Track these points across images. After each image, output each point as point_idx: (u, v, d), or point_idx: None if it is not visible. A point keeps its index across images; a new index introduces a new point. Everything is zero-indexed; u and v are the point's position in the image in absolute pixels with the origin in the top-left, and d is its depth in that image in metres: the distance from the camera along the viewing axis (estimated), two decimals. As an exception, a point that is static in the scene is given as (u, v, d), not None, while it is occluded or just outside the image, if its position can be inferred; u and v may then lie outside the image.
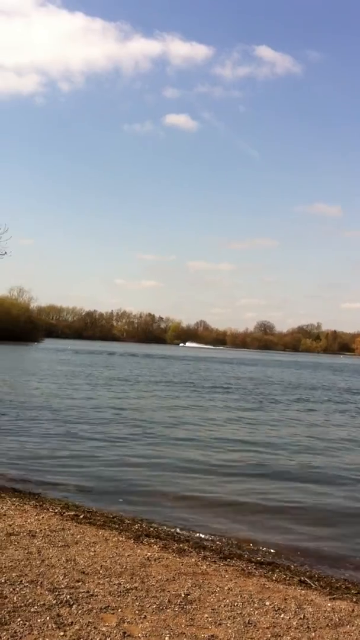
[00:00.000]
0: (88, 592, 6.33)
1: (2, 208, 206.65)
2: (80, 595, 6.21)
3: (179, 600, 6.38)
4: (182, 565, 7.81)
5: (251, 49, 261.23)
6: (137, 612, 5.95)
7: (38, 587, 6.31)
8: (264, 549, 9.62)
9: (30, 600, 5.91)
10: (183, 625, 5.73)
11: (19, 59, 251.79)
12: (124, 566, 7.41)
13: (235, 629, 5.79)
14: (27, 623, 5.41)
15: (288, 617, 6.22)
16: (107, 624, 5.58)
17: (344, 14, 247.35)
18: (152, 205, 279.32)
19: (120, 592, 6.45)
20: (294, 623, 6.08)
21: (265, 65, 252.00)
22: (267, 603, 6.61)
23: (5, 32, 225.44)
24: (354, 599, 7.19)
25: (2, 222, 14.48)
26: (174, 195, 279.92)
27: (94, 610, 5.85)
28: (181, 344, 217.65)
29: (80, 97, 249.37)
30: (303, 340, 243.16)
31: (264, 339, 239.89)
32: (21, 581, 6.41)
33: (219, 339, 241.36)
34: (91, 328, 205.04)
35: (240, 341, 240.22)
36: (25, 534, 8.32)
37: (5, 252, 14.69)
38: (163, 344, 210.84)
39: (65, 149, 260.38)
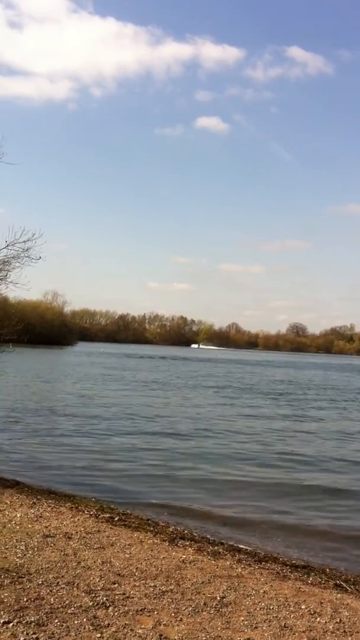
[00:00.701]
0: (124, 594, 6.37)
1: (36, 213, 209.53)
2: (117, 597, 6.25)
3: (214, 603, 6.38)
4: (217, 568, 7.81)
5: (282, 50, 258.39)
6: (173, 614, 5.97)
7: (75, 588, 6.37)
8: (299, 552, 9.59)
9: (67, 602, 5.96)
10: (219, 628, 5.73)
11: (51, 65, 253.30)
12: (160, 568, 7.44)
13: (272, 632, 5.78)
14: (65, 624, 5.46)
15: (324, 621, 6.18)
16: (143, 626, 5.61)
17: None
18: (182, 208, 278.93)
19: (156, 594, 6.48)
20: (330, 627, 6.04)
21: (297, 66, 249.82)
22: (303, 607, 6.58)
23: (38, 39, 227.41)
24: (392, 604, 7.11)
25: (37, 227, 14.60)
26: (205, 198, 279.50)
27: (130, 613, 5.89)
28: (193, 345, 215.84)
29: (112, 102, 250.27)
30: (336, 342, 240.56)
31: (296, 341, 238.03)
32: (58, 583, 6.48)
33: (251, 342, 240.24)
34: (124, 331, 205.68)
35: (272, 343, 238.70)
36: (61, 535, 8.41)
37: (40, 257, 14.79)
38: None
39: (98, 154, 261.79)
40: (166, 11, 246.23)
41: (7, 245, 14.56)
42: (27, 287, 15.71)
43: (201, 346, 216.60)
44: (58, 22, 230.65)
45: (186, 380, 50.41)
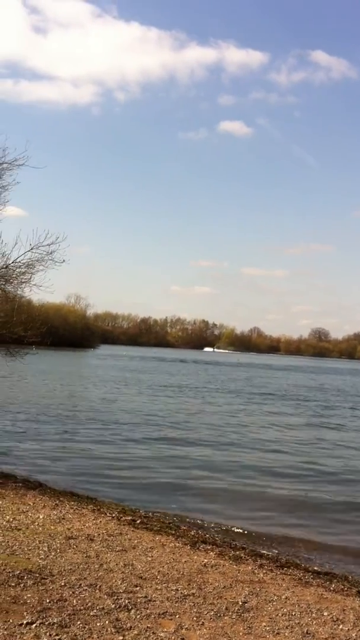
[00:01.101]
0: (146, 597, 6.38)
1: (60, 216, 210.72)
2: (139, 600, 6.26)
3: (236, 608, 6.36)
4: (238, 572, 7.79)
5: (306, 54, 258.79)
6: (194, 618, 5.96)
7: (97, 590, 6.40)
8: (320, 559, 9.54)
9: (89, 604, 5.99)
10: (241, 634, 5.71)
11: (75, 70, 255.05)
12: (181, 572, 7.44)
13: (294, 638, 5.75)
14: (87, 626, 5.48)
15: (347, 629, 6.13)
16: (165, 629, 5.62)
17: None
18: (205, 212, 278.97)
19: (177, 598, 6.48)
20: (354, 634, 5.99)
21: (321, 70, 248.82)
22: (326, 613, 6.54)
23: (62, 44, 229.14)
24: None
25: (61, 230, 14.68)
26: (227, 201, 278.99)
27: (152, 616, 5.89)
28: (206, 349, 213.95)
29: (136, 107, 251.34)
30: (359, 347, 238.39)
31: (318, 346, 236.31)
32: (80, 584, 6.51)
33: (273, 346, 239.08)
34: (146, 334, 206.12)
35: (294, 348, 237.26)
36: (83, 537, 8.44)
37: (64, 260, 14.86)
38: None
39: (122, 158, 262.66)
40: (190, 15, 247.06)
41: (32, 249, 14.65)
42: (50, 290, 15.82)
43: (215, 350, 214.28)
44: (82, 26, 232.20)
45: (208, 384, 50.39)
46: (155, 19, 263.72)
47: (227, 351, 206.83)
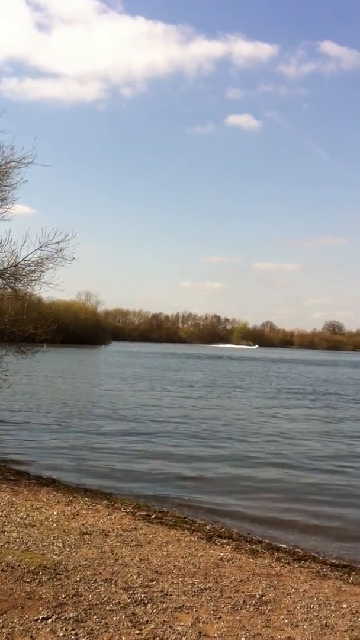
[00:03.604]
0: (162, 591, 6.32)
1: (69, 214, 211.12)
2: (155, 594, 6.21)
3: (253, 601, 6.30)
4: (255, 566, 7.73)
5: (315, 45, 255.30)
6: (212, 612, 5.90)
7: (113, 585, 6.35)
8: (338, 552, 9.45)
9: (105, 599, 5.94)
10: (259, 626, 5.64)
11: (81, 66, 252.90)
12: (197, 566, 7.38)
13: (312, 631, 5.67)
14: (103, 621, 5.43)
15: (367, 621, 6.05)
16: (182, 623, 5.56)
17: None
18: (215, 207, 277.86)
19: (194, 592, 6.42)
20: (373, 627, 5.91)
21: (331, 61, 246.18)
22: (344, 606, 6.46)
23: (67, 40, 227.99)
24: None
25: (70, 227, 14.68)
26: (237, 196, 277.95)
27: (169, 610, 5.84)
28: (213, 345, 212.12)
29: (142, 102, 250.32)
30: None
31: (332, 339, 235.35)
32: (96, 579, 6.47)
33: (286, 340, 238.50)
34: (157, 330, 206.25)
35: (308, 341, 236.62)
36: (98, 533, 8.41)
37: (74, 258, 14.84)
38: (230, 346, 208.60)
39: (129, 153, 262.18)
40: (197, 9, 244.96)
41: (41, 247, 14.66)
42: (60, 287, 15.83)
43: (229, 345, 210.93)
44: (87, 22, 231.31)
45: (222, 379, 50.37)
46: (161, 13, 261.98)
47: (247, 347, 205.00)
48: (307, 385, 47.76)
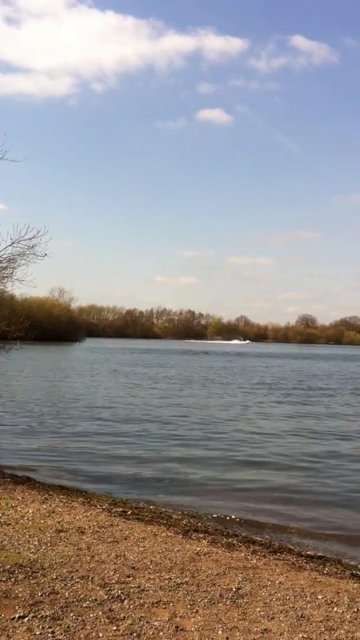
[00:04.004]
0: (139, 587, 6.33)
1: (40, 209, 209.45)
2: (132, 590, 6.22)
3: (230, 595, 6.33)
4: (231, 559, 7.77)
5: (286, 40, 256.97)
6: (188, 606, 5.92)
7: (89, 582, 6.34)
8: (314, 544, 9.53)
9: (82, 596, 5.93)
10: (235, 619, 5.68)
11: (50, 61, 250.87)
12: (174, 561, 7.40)
13: (288, 622, 5.72)
14: (80, 618, 5.42)
15: (341, 611, 6.12)
16: (159, 618, 5.57)
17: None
18: (189, 202, 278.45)
19: (171, 586, 6.44)
20: (348, 616, 5.98)
21: (302, 56, 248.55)
22: (320, 597, 6.53)
23: (36, 35, 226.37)
24: None
25: (42, 224, 14.55)
26: (209, 190, 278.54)
27: (146, 605, 5.85)
28: (235, 341, 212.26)
29: (114, 97, 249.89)
30: (346, 333, 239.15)
31: (306, 333, 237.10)
32: (72, 577, 6.45)
33: (260, 334, 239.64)
34: (132, 326, 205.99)
35: (281, 335, 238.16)
36: (74, 530, 8.38)
37: (46, 254, 14.71)
38: (204, 341, 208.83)
39: (100, 149, 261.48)
40: (167, 3, 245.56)
41: (12, 243, 14.49)
42: (33, 284, 15.66)
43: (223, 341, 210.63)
44: (56, 17, 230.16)
45: (197, 374, 50.47)
46: (131, 7, 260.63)
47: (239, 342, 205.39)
48: (283, 379, 48.08)
